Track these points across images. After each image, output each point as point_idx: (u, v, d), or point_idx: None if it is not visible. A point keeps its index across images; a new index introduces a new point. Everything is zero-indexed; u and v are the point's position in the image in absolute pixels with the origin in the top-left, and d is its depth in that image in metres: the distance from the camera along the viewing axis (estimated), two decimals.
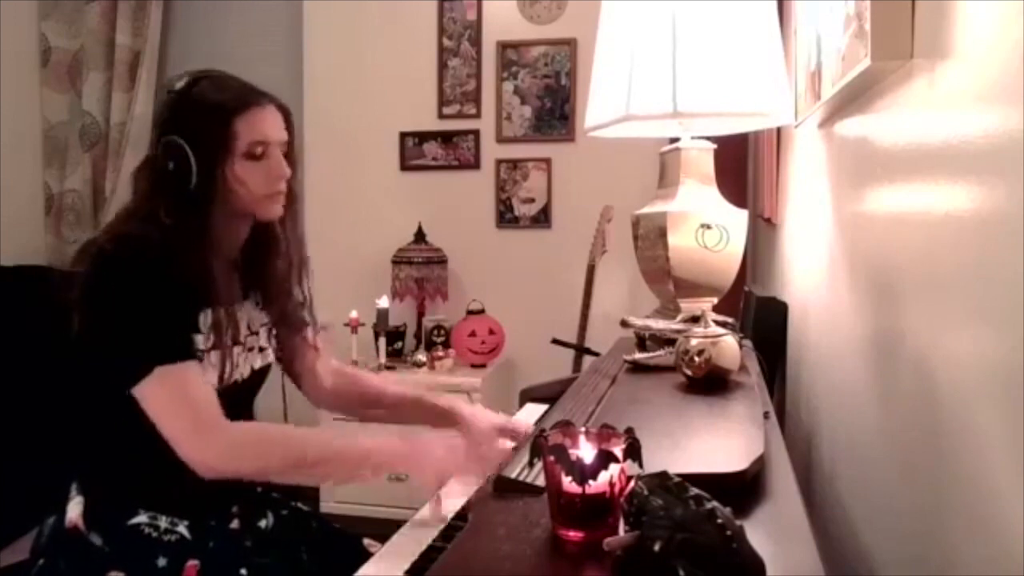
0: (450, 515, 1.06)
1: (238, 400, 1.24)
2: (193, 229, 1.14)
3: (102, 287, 1.10)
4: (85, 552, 1.12)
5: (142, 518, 1.13)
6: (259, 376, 1.30)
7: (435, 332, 3.21)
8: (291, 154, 1.23)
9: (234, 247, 1.24)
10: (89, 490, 1.17)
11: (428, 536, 0.99)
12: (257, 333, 1.27)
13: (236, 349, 1.20)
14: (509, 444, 1.26)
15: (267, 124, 1.17)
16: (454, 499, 1.09)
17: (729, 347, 1.18)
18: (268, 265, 1.27)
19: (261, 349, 1.28)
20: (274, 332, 1.32)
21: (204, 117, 1.14)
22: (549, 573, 0.69)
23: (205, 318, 1.15)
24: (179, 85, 1.18)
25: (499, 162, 3.32)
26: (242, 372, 1.23)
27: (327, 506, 2.96)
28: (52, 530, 1.17)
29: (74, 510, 1.15)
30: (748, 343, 1.55)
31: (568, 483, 0.70)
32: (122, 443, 1.15)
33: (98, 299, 1.10)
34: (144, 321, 1.08)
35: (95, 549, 1.11)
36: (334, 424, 2.61)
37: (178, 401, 1.08)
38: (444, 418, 1.36)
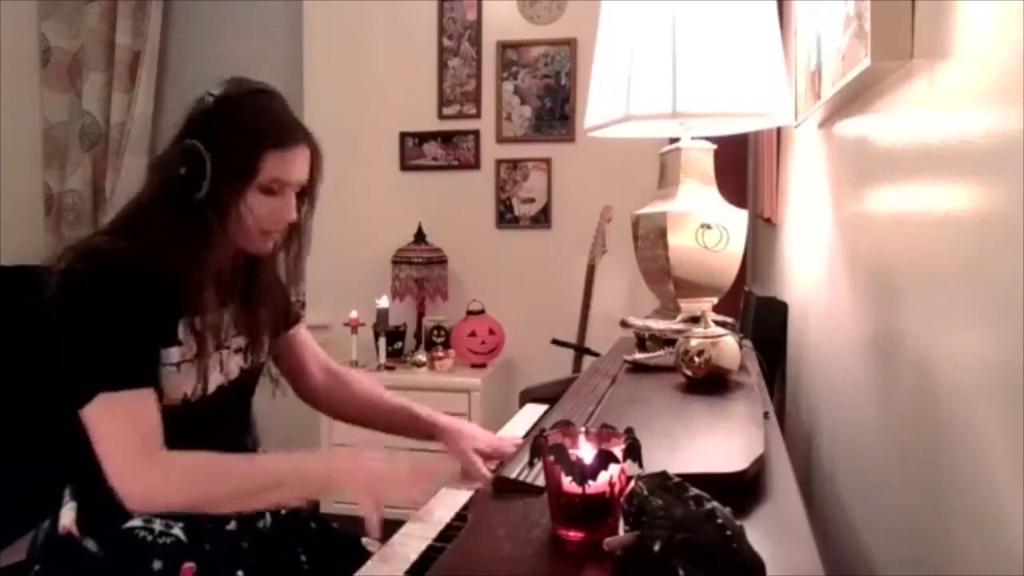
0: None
1: (232, 400, 1.24)
2: (185, 237, 1.12)
3: (64, 305, 1.08)
4: (81, 558, 1.11)
5: (136, 522, 1.11)
6: (250, 376, 1.29)
7: (435, 332, 3.21)
8: (312, 192, 1.22)
9: (222, 258, 1.21)
10: (82, 495, 1.16)
11: (428, 536, 0.99)
12: (243, 333, 1.26)
13: (222, 352, 1.19)
14: (488, 467, 1.24)
15: (295, 166, 1.15)
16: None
17: (729, 347, 1.18)
18: (257, 274, 1.26)
19: (250, 349, 1.27)
20: (264, 332, 1.30)
21: (237, 138, 1.11)
22: (549, 573, 0.69)
23: (186, 327, 1.14)
24: (222, 93, 1.14)
25: (499, 162, 3.32)
26: (228, 374, 1.22)
27: (326, 506, 2.95)
28: (47, 536, 1.16)
29: (67, 516, 1.14)
30: (748, 343, 1.55)
31: (568, 483, 0.70)
32: None
33: (59, 317, 1.08)
34: (94, 345, 1.06)
35: (91, 555, 1.11)
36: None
37: (115, 430, 1.04)
38: (430, 432, 1.36)
